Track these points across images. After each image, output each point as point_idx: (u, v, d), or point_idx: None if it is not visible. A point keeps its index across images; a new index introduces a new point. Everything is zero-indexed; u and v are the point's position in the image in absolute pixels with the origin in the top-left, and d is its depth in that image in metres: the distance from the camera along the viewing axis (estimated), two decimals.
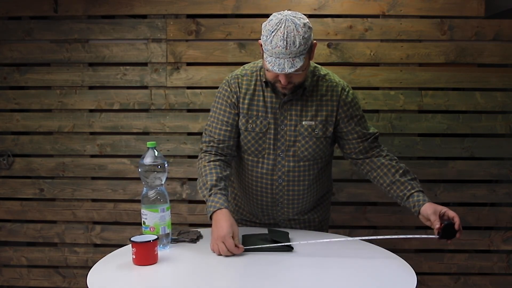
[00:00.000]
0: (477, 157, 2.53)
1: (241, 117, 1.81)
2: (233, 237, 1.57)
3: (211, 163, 1.77)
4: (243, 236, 1.71)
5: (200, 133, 2.41)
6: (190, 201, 2.63)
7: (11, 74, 2.59)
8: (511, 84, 2.49)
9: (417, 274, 1.44)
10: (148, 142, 1.64)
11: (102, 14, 2.54)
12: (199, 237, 1.76)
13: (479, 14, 2.44)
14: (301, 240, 1.70)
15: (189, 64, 2.54)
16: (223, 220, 1.60)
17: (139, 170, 1.63)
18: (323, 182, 1.93)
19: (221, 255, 1.56)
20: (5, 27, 2.56)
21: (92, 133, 2.61)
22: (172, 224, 1.69)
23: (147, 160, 1.61)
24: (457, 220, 1.60)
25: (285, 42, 1.56)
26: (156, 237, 1.52)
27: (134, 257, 1.49)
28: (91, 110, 2.60)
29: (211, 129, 1.83)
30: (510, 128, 2.51)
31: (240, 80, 1.81)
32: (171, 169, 2.57)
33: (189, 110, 2.57)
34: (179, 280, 1.43)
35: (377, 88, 2.51)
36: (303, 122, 1.78)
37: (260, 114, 1.79)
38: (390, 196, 1.79)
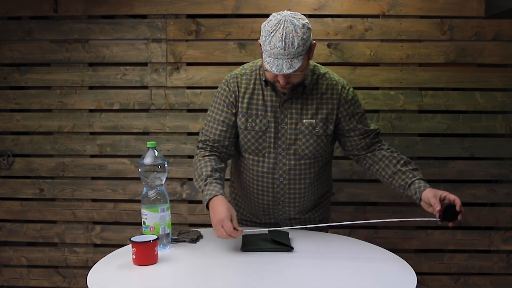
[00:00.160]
0: (477, 157, 2.53)
1: (240, 116, 1.81)
2: (231, 220, 1.58)
3: (206, 157, 1.79)
4: (243, 236, 1.71)
5: None
6: (190, 201, 2.63)
7: (11, 74, 2.59)
8: (511, 84, 2.49)
9: (417, 274, 1.44)
10: (148, 142, 1.64)
11: (102, 14, 2.54)
12: (199, 237, 1.76)
13: (479, 14, 2.45)
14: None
15: (189, 64, 2.54)
16: (219, 205, 1.61)
17: (139, 170, 1.63)
18: (323, 181, 1.93)
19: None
20: (5, 27, 2.56)
21: (92, 133, 2.61)
22: (172, 224, 1.69)
23: (147, 160, 1.61)
24: (458, 202, 1.59)
25: (283, 43, 1.56)
26: (156, 237, 1.52)
27: (134, 257, 1.49)
28: (91, 110, 2.60)
29: (207, 128, 1.85)
30: (510, 128, 2.51)
31: (239, 79, 1.82)
32: (171, 169, 2.57)
33: (189, 110, 2.57)
34: (179, 280, 1.43)
35: (377, 88, 2.52)
36: (304, 120, 1.78)
37: (259, 113, 1.79)
38: (393, 187, 1.79)
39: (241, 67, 1.88)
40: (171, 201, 1.79)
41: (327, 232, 2.01)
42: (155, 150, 1.63)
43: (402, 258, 1.58)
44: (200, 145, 1.86)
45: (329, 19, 2.48)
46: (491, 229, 2.58)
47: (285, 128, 1.79)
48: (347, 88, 1.83)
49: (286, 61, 1.59)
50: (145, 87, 2.57)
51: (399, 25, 2.47)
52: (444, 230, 2.56)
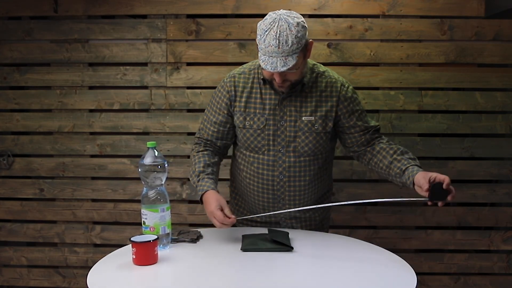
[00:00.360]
0: (477, 157, 2.53)
1: (238, 115, 1.83)
2: (222, 209, 1.65)
3: (200, 152, 1.88)
4: (243, 236, 1.72)
5: None
6: (190, 201, 2.63)
7: (11, 74, 2.59)
8: (511, 84, 2.49)
9: (417, 274, 1.44)
10: (148, 142, 1.64)
11: (102, 14, 2.54)
12: (199, 237, 1.76)
13: (479, 14, 2.45)
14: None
15: (189, 64, 2.54)
16: (210, 198, 1.70)
17: (139, 170, 1.63)
18: (323, 180, 1.94)
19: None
20: (5, 27, 2.56)
21: (92, 133, 2.61)
22: (172, 224, 1.69)
23: (147, 160, 1.61)
24: (446, 180, 1.58)
25: (277, 41, 1.59)
26: (156, 237, 1.52)
27: (134, 257, 1.49)
28: (91, 110, 2.60)
29: (202, 127, 1.93)
30: (510, 128, 2.51)
31: (236, 79, 1.85)
32: (171, 169, 2.57)
33: (189, 110, 2.57)
34: (179, 280, 1.43)
35: (377, 88, 2.52)
36: (303, 118, 1.80)
37: (257, 111, 1.81)
38: (391, 179, 1.79)
39: (240, 66, 1.90)
40: (171, 201, 1.79)
41: (327, 232, 2.01)
42: (155, 150, 1.63)
43: (402, 258, 1.58)
44: (196, 140, 1.95)
45: (329, 19, 2.48)
46: (491, 229, 2.58)
47: (284, 126, 1.80)
48: (346, 85, 1.85)
49: (280, 59, 1.61)
50: (145, 87, 2.57)
51: (399, 25, 2.47)
52: (444, 230, 2.56)
